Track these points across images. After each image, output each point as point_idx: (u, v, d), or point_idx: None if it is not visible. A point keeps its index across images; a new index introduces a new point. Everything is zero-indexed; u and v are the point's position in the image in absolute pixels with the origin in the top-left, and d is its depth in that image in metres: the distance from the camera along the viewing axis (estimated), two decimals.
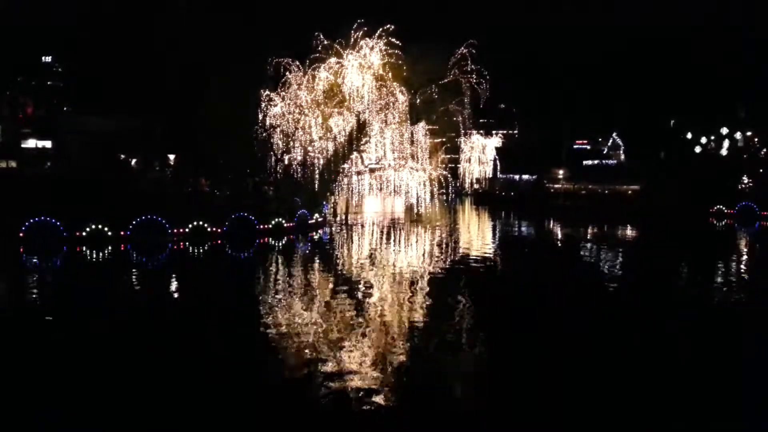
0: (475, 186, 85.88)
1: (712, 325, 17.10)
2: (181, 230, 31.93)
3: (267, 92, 41.49)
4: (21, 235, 28.96)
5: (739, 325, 17.11)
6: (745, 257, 33.17)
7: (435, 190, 42.90)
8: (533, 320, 16.92)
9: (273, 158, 42.28)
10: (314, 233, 37.32)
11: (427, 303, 18.71)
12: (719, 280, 24.87)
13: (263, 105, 41.66)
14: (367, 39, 40.68)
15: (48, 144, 61.10)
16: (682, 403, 11.15)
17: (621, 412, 10.75)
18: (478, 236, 41.12)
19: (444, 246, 33.32)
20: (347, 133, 40.66)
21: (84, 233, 29.65)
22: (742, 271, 27.90)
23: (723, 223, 51.77)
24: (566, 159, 72.81)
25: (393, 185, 42.23)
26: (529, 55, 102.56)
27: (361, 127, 40.71)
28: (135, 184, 38.34)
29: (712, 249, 36.34)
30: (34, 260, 26.55)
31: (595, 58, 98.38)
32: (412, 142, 41.89)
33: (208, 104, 42.13)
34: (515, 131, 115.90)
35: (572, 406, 10.91)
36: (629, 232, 45.48)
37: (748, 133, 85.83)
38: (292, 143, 40.93)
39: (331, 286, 21.29)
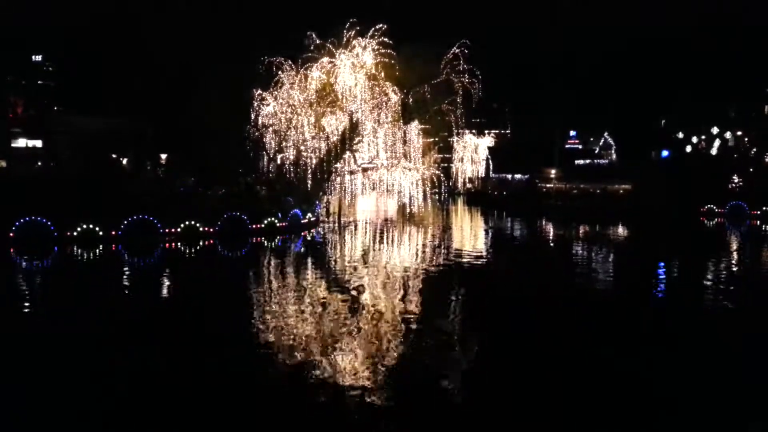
0: (468, 185, 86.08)
1: (705, 323, 17.22)
2: (173, 230, 31.79)
3: (259, 92, 41.39)
4: (11, 235, 28.74)
5: (731, 323, 17.22)
6: (734, 255, 33.41)
7: (428, 189, 42.91)
8: (527, 320, 16.97)
9: (265, 158, 42.18)
10: (307, 233, 37.26)
11: (421, 303, 18.72)
12: (709, 278, 25.03)
13: (255, 104, 41.57)
14: (360, 38, 40.63)
15: (38, 144, 60.72)
16: (679, 402, 11.22)
17: (618, 411, 10.80)
18: (470, 236, 41.20)
19: (436, 246, 33.34)
20: (340, 133, 40.61)
21: (75, 233, 29.46)
22: (731, 268, 28.09)
23: (713, 222, 52.12)
24: (558, 158, 73.01)
25: (386, 185, 42.22)
26: (521, 54, 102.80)
27: (354, 127, 40.65)
28: (126, 183, 38.12)
29: (702, 248, 36.57)
30: (24, 261, 26.37)
31: (586, 58, 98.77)
32: (404, 142, 41.88)
33: (200, 104, 42.03)
34: (507, 131, 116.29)
35: (570, 406, 10.94)
36: (621, 231, 45.71)
37: (738, 133, 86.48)
38: (284, 143, 40.85)
39: (324, 285, 21.26)
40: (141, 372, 12.17)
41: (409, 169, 41.87)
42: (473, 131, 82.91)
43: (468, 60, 43.03)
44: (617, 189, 66.93)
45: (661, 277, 25.66)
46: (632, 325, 16.71)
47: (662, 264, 29.11)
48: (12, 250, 27.59)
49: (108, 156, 47.44)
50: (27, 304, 18.73)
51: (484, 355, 13.92)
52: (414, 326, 15.82)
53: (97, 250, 28.18)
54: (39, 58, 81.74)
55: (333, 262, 26.96)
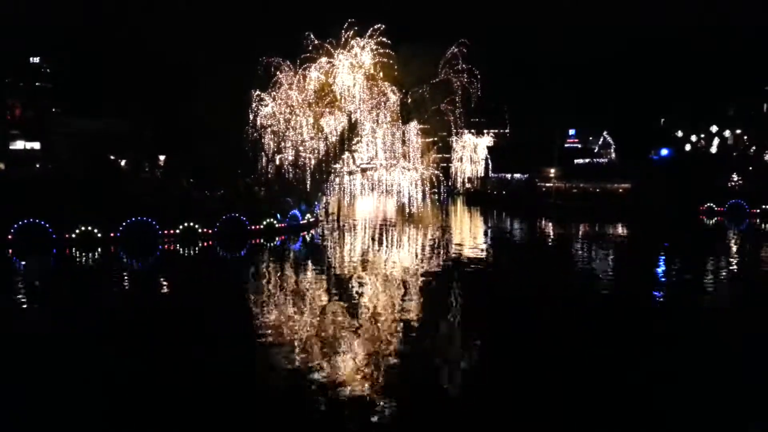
0: (467, 185, 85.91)
1: (704, 323, 17.17)
2: (172, 232, 31.71)
3: (258, 92, 41.28)
4: (9, 237, 28.63)
5: (731, 322, 17.16)
6: (734, 254, 33.35)
7: (427, 189, 42.81)
8: (527, 320, 16.91)
9: (264, 159, 42.07)
10: (306, 234, 37.16)
11: (421, 304, 18.65)
12: (708, 277, 24.97)
13: (254, 105, 41.47)
14: (358, 38, 40.59)
15: (36, 145, 60.63)
16: (677, 402, 11.15)
17: (617, 412, 10.73)
18: (470, 236, 41.10)
19: (436, 246, 33.24)
20: (339, 133, 40.52)
21: (73, 235, 29.37)
22: (730, 268, 28.02)
23: (713, 221, 52.04)
24: (558, 158, 72.80)
25: (385, 185, 42.11)
26: (520, 54, 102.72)
27: (353, 127, 40.58)
28: (125, 185, 38.03)
29: (702, 247, 36.48)
30: (23, 263, 26.29)
31: (586, 58, 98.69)
32: (403, 142, 41.78)
33: (199, 105, 41.92)
34: (507, 130, 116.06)
35: (570, 406, 10.87)
36: (620, 230, 45.63)
37: (738, 131, 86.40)
38: (283, 143, 40.76)
39: (323, 287, 21.17)
40: (136, 373, 12.10)
41: (408, 169, 41.77)
42: (472, 131, 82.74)
43: (467, 59, 43.01)
44: (617, 188, 66.83)
45: (660, 276, 25.59)
46: (631, 324, 16.64)
47: (661, 263, 29.04)
48: (10, 252, 27.50)
49: (106, 157, 47.33)
50: (24, 306, 18.65)
51: (485, 356, 13.84)
52: (414, 328, 15.74)
53: (96, 252, 28.11)
54: (37, 59, 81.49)
55: (332, 263, 26.86)
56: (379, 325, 15.77)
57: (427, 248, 32.28)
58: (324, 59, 40.32)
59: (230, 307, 18.31)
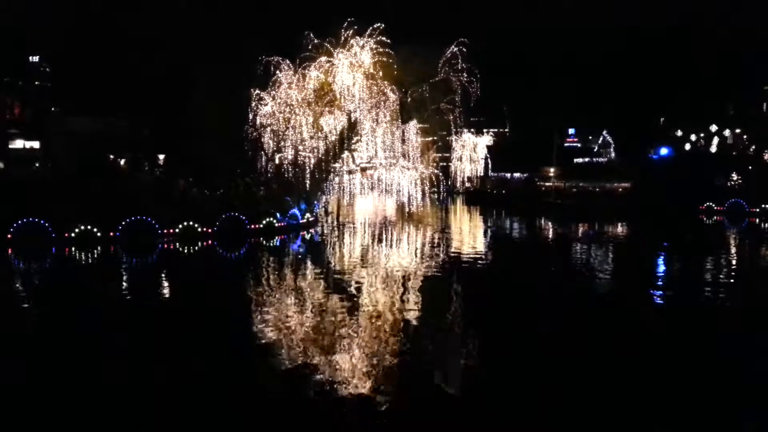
0: (467, 184, 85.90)
1: (703, 322, 17.18)
2: (172, 231, 31.71)
3: (257, 91, 41.24)
4: (9, 236, 28.62)
5: (730, 322, 17.17)
6: (733, 254, 33.37)
7: (426, 189, 42.79)
8: (527, 320, 16.92)
9: (264, 158, 42.04)
10: (306, 233, 37.17)
11: (422, 303, 18.66)
12: (707, 277, 24.98)
13: (253, 104, 41.42)
14: (358, 38, 40.50)
15: (36, 145, 60.66)
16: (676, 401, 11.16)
17: (615, 412, 10.74)
18: (469, 235, 41.11)
19: (435, 245, 33.26)
20: (338, 132, 40.49)
21: (72, 234, 29.36)
22: (730, 268, 28.04)
23: (712, 220, 52.07)
24: (557, 157, 72.87)
25: (384, 184, 42.09)
26: (520, 53, 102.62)
27: (352, 126, 40.54)
28: (124, 184, 38.02)
29: (702, 246, 36.49)
30: (22, 262, 26.28)
31: (585, 57, 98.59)
32: (403, 141, 41.74)
33: (198, 104, 41.87)
34: (506, 129, 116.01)
35: (569, 406, 10.88)
36: (620, 229, 45.64)
37: (737, 131, 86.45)
38: (282, 143, 40.69)
39: (322, 286, 21.17)
40: (134, 373, 12.11)
41: (408, 169, 41.74)
42: (472, 130, 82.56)
43: (466, 59, 42.96)
44: (616, 187, 66.89)
45: (659, 275, 25.59)
46: (629, 323, 16.65)
47: (661, 262, 29.06)
48: (10, 251, 27.49)
49: (105, 156, 47.35)
50: (23, 305, 18.66)
51: (485, 356, 13.85)
52: (414, 327, 15.74)
53: (95, 251, 28.11)
54: (36, 58, 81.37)
55: (331, 262, 26.86)
56: (378, 324, 15.77)
57: (427, 247, 32.28)
58: (323, 58, 40.24)
59: (229, 306, 18.30)
